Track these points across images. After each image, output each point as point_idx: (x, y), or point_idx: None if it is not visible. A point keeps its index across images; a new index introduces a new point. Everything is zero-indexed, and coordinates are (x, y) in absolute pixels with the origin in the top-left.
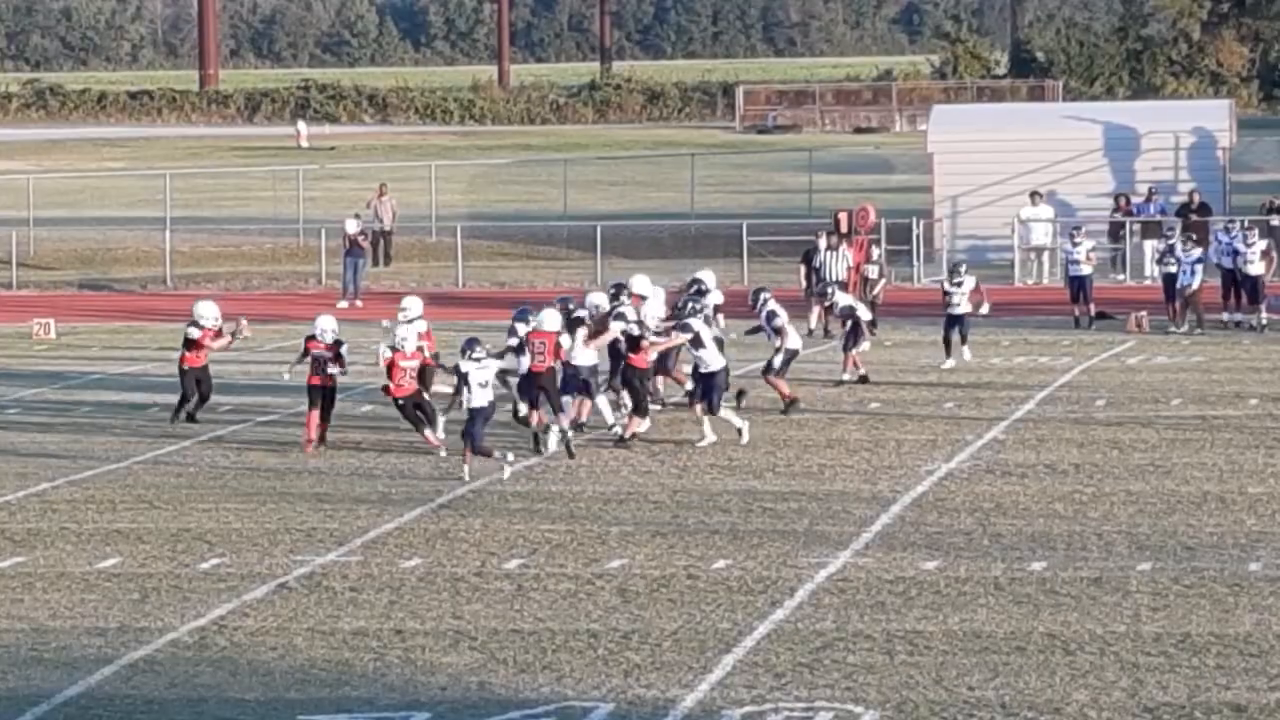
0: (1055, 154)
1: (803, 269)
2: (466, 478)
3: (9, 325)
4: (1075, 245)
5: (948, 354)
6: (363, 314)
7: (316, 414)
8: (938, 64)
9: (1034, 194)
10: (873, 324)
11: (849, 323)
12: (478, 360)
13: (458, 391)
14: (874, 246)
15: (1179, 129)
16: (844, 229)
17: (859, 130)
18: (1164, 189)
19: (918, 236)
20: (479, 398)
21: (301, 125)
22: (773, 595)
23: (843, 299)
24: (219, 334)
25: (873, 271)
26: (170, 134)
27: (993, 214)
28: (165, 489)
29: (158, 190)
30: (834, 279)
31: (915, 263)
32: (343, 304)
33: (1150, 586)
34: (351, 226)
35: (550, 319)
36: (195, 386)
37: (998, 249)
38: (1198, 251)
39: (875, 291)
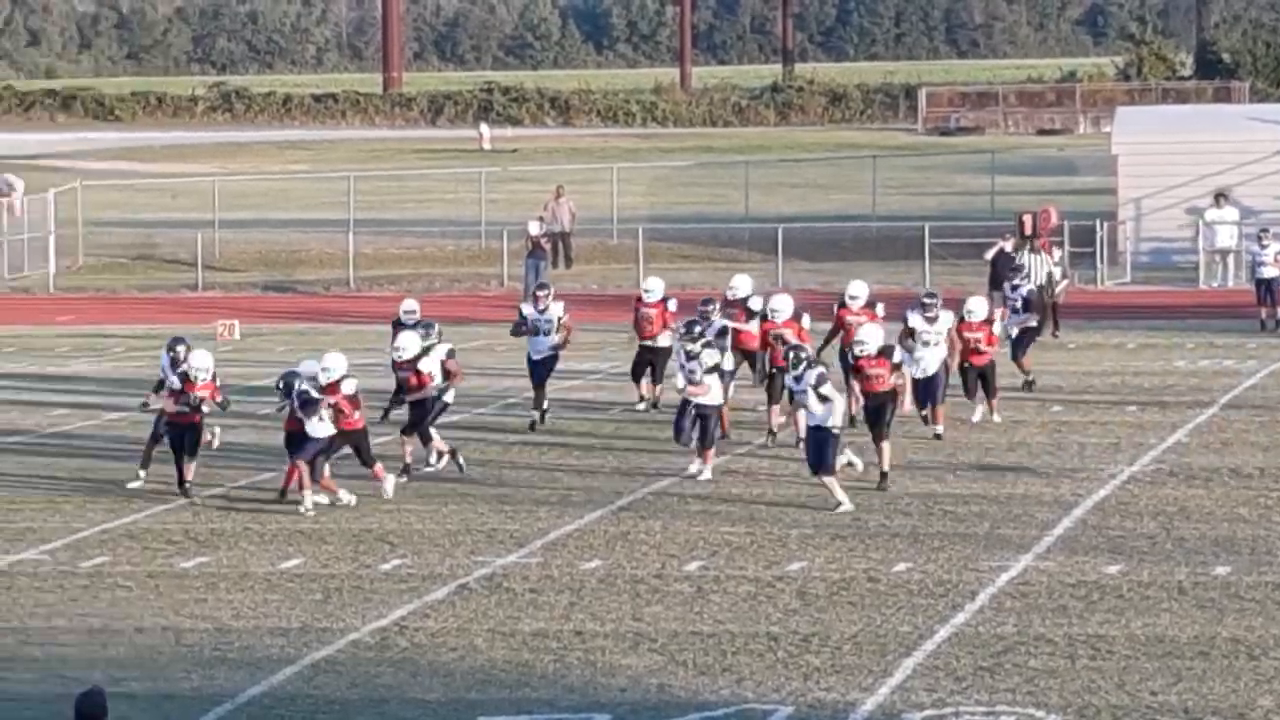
0: (1241, 156)
1: (989, 270)
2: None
3: (194, 326)
4: (1263, 247)
5: None
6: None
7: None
8: (1122, 65)
9: (1219, 195)
10: (1055, 326)
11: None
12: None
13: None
14: (1055, 248)
15: None
16: (1028, 231)
17: (1042, 132)
18: None
19: (1101, 239)
20: (325, 427)
21: (484, 128)
22: (953, 599)
23: (1028, 286)
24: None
25: (1055, 273)
26: (354, 136)
27: (1177, 216)
28: (349, 489)
29: (341, 192)
30: (1036, 284)
31: (1099, 265)
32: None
33: None
34: (534, 228)
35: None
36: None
37: (1182, 251)
38: None
39: (1057, 293)
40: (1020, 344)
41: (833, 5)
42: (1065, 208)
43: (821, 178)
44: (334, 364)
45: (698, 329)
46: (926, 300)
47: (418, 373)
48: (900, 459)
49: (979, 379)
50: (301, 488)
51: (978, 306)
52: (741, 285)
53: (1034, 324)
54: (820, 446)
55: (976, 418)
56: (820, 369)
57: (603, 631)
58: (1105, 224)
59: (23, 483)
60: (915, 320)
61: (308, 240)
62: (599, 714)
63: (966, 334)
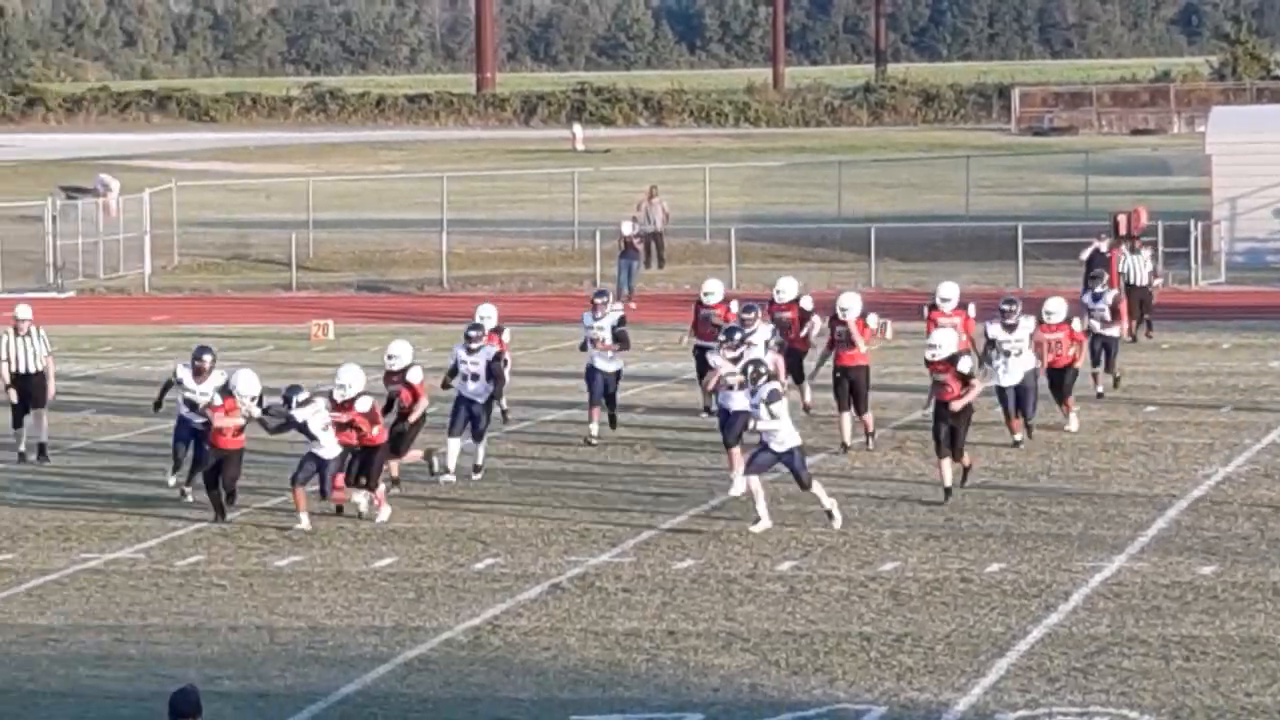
0: None
1: (1084, 270)
2: (305, 525)
3: (288, 326)
4: None
5: None
6: (636, 316)
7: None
8: (1216, 65)
9: None
10: (1149, 326)
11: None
12: (306, 404)
13: (278, 430)
14: (1146, 248)
15: None
16: (1123, 230)
17: (1136, 132)
18: None
19: (1196, 239)
20: (327, 447)
21: (577, 128)
22: (1047, 599)
23: (1112, 293)
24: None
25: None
26: (447, 137)
27: (1271, 216)
28: (440, 489)
29: (434, 193)
30: (1138, 283)
31: (1193, 265)
32: (617, 306)
33: None
34: (627, 228)
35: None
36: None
37: (1277, 251)
38: None
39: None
40: (1108, 353)
41: (926, 5)
42: (1159, 208)
43: (914, 178)
44: (350, 379)
45: (737, 335)
46: (1005, 307)
47: (408, 385)
48: (993, 460)
49: (1059, 381)
50: (299, 508)
51: (1057, 308)
52: (788, 287)
53: (1116, 334)
54: (756, 454)
55: (1073, 427)
56: (774, 385)
57: (695, 631)
58: (1199, 224)
59: (118, 482)
60: (995, 330)
61: (401, 240)
62: (691, 713)
63: (1046, 335)
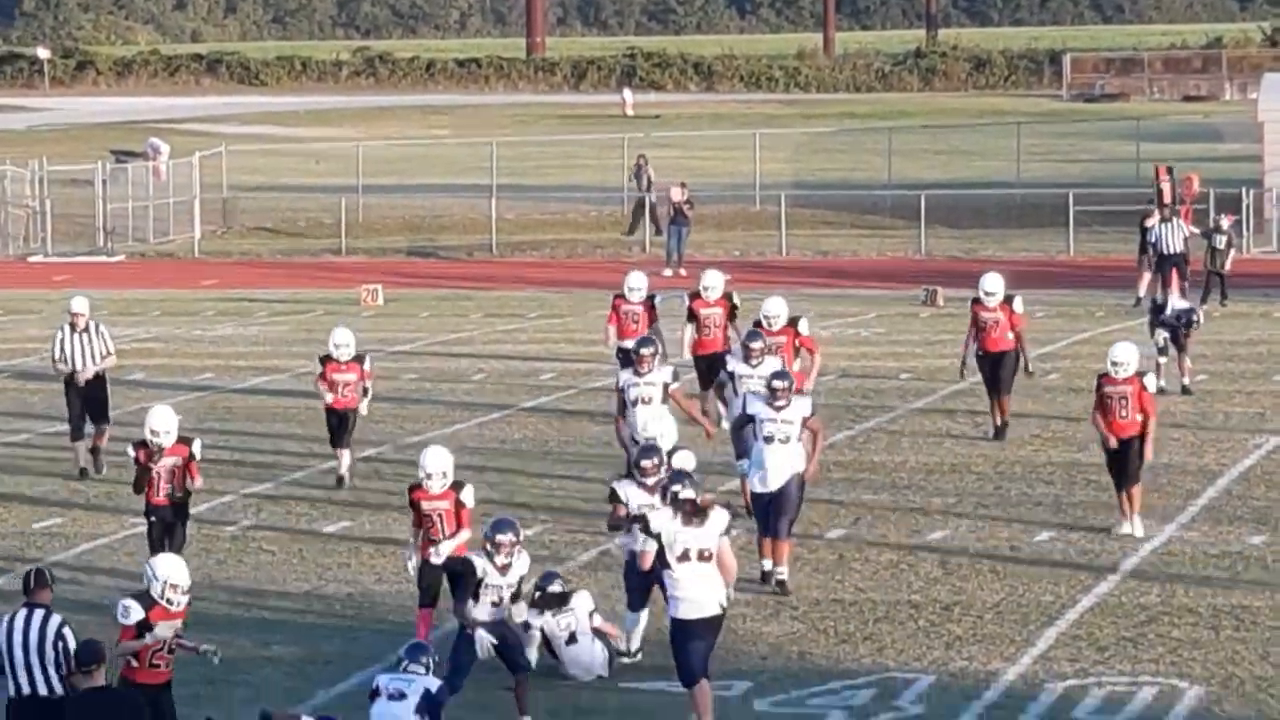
0: None
1: (1139, 238)
2: None
3: (338, 291)
4: None
5: None
6: (685, 282)
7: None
8: (1269, 31)
9: None
10: (1223, 295)
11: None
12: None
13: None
14: (1222, 217)
15: None
16: (1167, 199)
17: (1188, 99)
18: None
19: (1247, 207)
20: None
21: (627, 93)
22: (1096, 568)
23: (1180, 304)
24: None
25: (1220, 241)
26: (497, 102)
27: None
28: (492, 455)
29: (484, 158)
30: (1171, 251)
31: (1245, 233)
32: (667, 272)
33: None
34: (676, 194)
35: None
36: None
37: None
38: None
39: (1224, 263)
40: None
41: None
42: (1211, 175)
43: (965, 144)
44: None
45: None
46: (776, 385)
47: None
48: (1043, 429)
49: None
50: None
51: (1126, 356)
52: (715, 283)
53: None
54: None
55: (1139, 531)
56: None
57: (743, 599)
58: (1251, 191)
59: None
60: (757, 406)
61: (451, 205)
62: (740, 681)
63: (1108, 388)
